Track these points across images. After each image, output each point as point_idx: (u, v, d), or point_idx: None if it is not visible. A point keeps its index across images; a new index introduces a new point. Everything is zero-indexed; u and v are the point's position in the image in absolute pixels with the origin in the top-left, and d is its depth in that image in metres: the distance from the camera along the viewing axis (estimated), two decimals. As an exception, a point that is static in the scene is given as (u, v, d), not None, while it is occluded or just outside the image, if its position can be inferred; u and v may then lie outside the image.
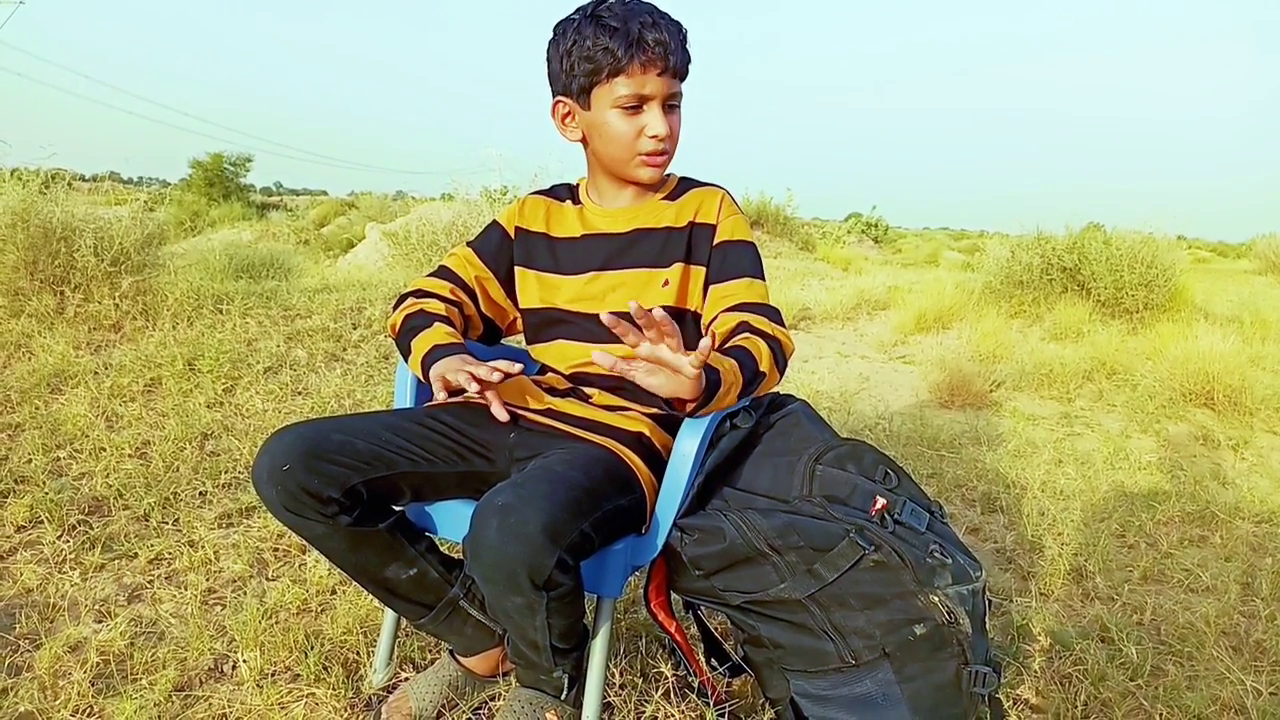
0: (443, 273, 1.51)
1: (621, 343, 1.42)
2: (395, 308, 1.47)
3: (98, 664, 1.57)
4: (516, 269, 1.51)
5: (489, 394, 1.30)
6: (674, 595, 1.39)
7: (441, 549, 1.41)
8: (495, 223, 1.55)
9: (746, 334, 1.26)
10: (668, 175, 1.50)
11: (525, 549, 1.06)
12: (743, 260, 1.40)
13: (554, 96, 1.40)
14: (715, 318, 1.35)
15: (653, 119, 1.33)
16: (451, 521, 1.37)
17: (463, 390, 1.26)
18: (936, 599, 1.17)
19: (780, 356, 1.27)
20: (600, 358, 1.03)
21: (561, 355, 1.47)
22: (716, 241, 1.41)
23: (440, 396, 1.27)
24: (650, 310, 1.01)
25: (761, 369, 1.21)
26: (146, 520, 2.18)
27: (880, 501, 1.24)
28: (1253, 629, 1.94)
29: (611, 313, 1.02)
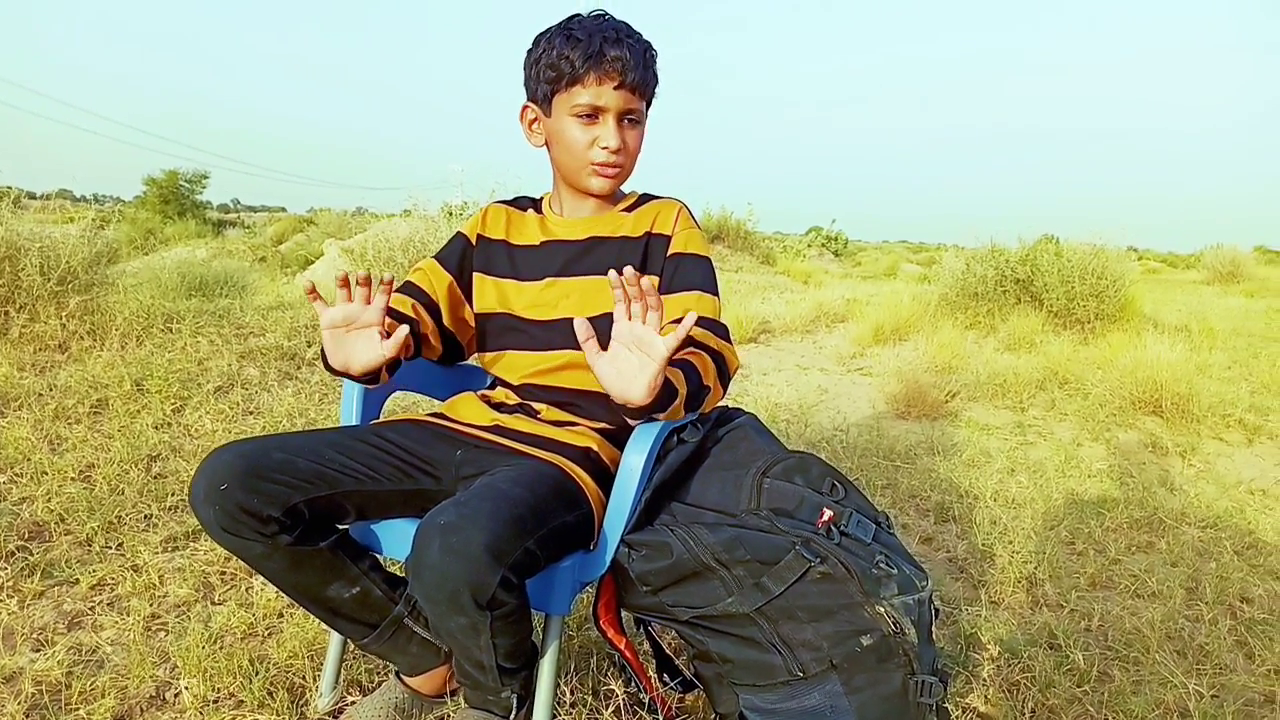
0: (405, 288, 1.52)
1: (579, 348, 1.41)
2: None
3: (33, 694, 1.52)
4: (475, 275, 1.52)
5: (378, 297, 1.23)
6: (625, 612, 1.38)
7: (386, 566, 1.39)
8: (459, 233, 1.58)
9: (691, 349, 1.27)
10: (629, 191, 1.52)
11: (468, 568, 1.05)
12: (695, 274, 1.42)
13: (525, 102, 1.46)
14: (663, 329, 1.36)
15: (606, 130, 1.37)
16: (396, 540, 1.35)
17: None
18: (883, 609, 1.17)
19: (724, 372, 1.28)
20: (580, 324, 1.11)
21: (511, 366, 1.47)
22: (670, 252, 1.43)
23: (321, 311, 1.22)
24: (641, 277, 1.08)
25: (706, 383, 1.22)
26: (89, 545, 2.13)
27: (827, 513, 1.24)
28: (1196, 633, 1.98)
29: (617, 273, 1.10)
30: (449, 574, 1.05)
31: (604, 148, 1.37)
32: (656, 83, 1.42)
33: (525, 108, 1.46)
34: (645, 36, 1.40)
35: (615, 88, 1.34)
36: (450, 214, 7.15)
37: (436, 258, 1.55)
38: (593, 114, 1.37)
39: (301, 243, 14.94)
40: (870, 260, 23.81)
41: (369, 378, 1.28)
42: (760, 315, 6.46)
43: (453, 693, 1.46)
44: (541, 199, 1.56)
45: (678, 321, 1.34)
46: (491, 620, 1.12)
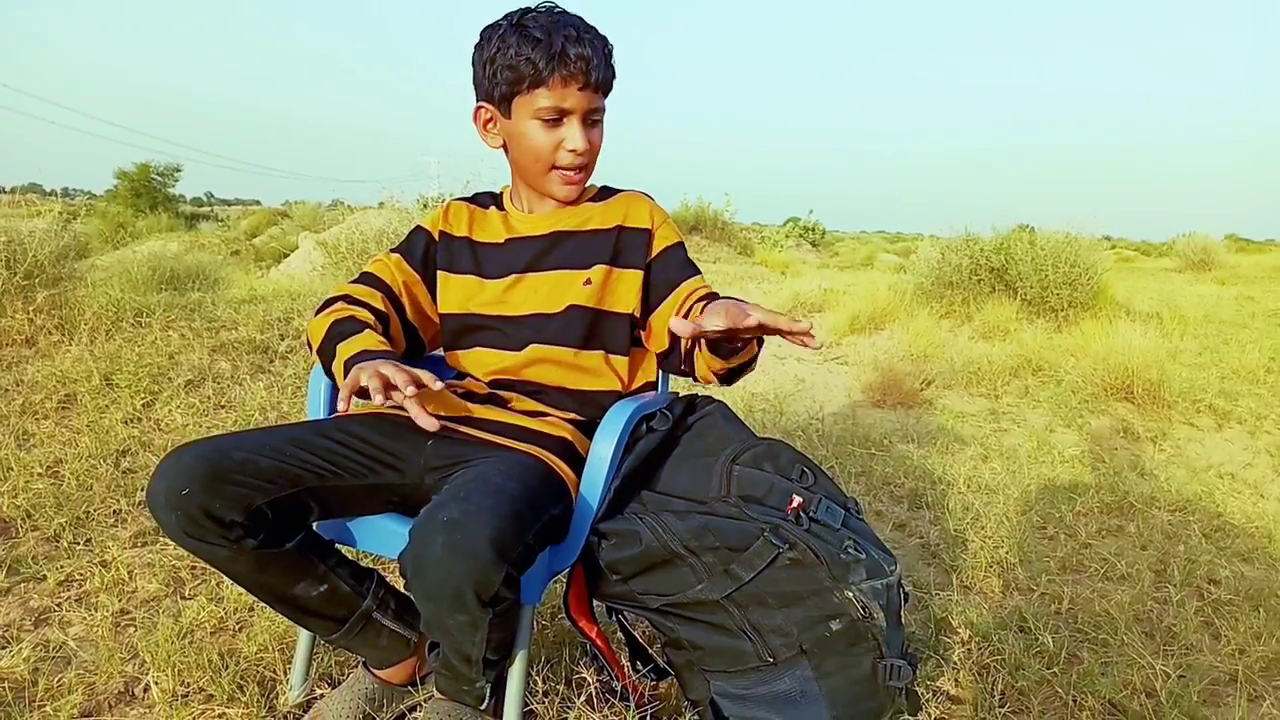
0: (370, 280, 1.46)
1: (554, 344, 1.39)
2: (319, 313, 1.39)
3: (-2, 692, 1.50)
4: (439, 273, 1.49)
5: (409, 404, 1.12)
6: (597, 601, 1.38)
7: (358, 560, 1.38)
8: (419, 227, 1.53)
9: None
10: (588, 185, 1.50)
11: (472, 565, 1.03)
12: (688, 262, 1.45)
13: (477, 101, 1.40)
14: (692, 307, 1.34)
15: (572, 133, 1.33)
16: (374, 536, 1.34)
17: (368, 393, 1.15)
18: (851, 594, 1.18)
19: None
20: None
21: (479, 362, 1.46)
22: (660, 248, 1.44)
23: (342, 403, 1.15)
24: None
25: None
26: (57, 541, 2.10)
27: (796, 500, 1.24)
28: (1164, 614, 2.00)
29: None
30: (454, 571, 1.03)
31: (571, 150, 1.34)
32: (614, 77, 1.37)
33: (479, 108, 1.39)
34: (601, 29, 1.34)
35: (580, 89, 1.30)
36: (425, 205, 7.11)
37: (399, 252, 1.50)
38: (558, 117, 1.32)
39: (276, 235, 14.81)
40: (848, 250, 23.92)
41: None
42: (737, 305, 6.46)
43: (422, 678, 1.46)
44: (501, 194, 1.53)
45: (704, 299, 1.33)
46: (491, 617, 1.10)
